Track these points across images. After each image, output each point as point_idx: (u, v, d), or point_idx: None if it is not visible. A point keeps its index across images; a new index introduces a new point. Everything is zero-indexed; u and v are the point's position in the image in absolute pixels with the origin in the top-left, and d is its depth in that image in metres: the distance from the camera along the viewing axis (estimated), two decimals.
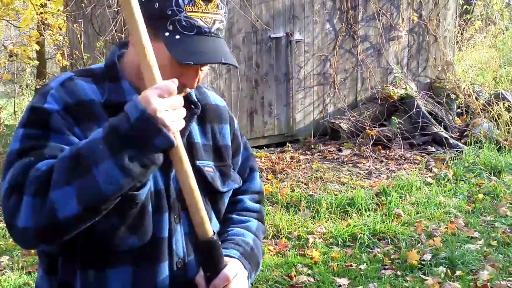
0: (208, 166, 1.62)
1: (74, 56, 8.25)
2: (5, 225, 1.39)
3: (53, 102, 1.42)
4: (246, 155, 1.81)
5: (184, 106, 1.55)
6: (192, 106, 1.61)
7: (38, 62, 9.13)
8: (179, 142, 1.33)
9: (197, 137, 1.63)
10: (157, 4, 1.40)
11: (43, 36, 8.66)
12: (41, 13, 7.79)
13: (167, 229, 1.51)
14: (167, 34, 1.40)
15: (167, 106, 1.26)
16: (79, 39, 7.69)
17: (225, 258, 1.50)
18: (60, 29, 8.74)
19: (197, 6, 1.39)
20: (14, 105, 9.16)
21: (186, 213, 1.52)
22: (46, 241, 1.34)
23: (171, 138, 1.26)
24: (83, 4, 7.55)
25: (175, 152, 1.33)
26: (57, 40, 8.78)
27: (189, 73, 1.46)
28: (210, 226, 1.43)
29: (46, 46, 10.13)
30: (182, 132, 1.52)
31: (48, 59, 10.68)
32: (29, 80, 9.33)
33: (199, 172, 1.57)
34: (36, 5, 7.29)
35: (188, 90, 1.52)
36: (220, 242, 1.47)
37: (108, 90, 1.50)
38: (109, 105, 1.48)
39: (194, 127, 1.63)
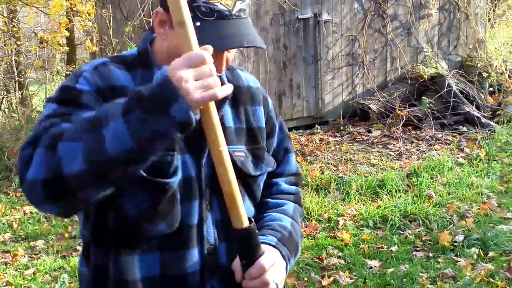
0: (240, 151, 1.59)
1: (103, 41, 8.32)
2: (39, 210, 1.39)
3: (85, 84, 1.41)
4: (281, 137, 1.77)
5: None
6: None
7: (68, 48, 9.22)
8: (215, 123, 1.30)
9: (229, 122, 1.60)
10: None
11: (73, 22, 8.74)
12: None
13: (196, 216, 1.51)
14: None
15: (195, 76, 1.20)
16: (108, 24, 7.74)
17: (262, 245, 1.48)
18: (89, 15, 8.80)
19: None
20: (46, 91, 9.28)
21: (218, 200, 1.52)
22: (51, 198, 1.27)
23: (189, 112, 1.19)
24: None
25: (212, 133, 1.30)
26: (86, 26, 8.85)
27: (215, 59, 1.41)
28: (246, 215, 1.41)
29: (75, 32, 10.22)
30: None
31: (78, 45, 10.78)
32: (59, 66, 9.44)
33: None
34: None
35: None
36: (257, 231, 1.44)
37: (140, 77, 1.49)
38: None
39: (227, 111, 1.60)
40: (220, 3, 1.37)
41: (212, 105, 1.29)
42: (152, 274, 1.50)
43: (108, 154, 1.20)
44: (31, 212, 5.40)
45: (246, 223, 1.40)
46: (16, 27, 8.95)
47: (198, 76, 1.20)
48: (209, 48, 1.25)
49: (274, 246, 1.55)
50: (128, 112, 1.19)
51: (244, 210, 1.41)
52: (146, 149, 1.22)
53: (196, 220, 1.51)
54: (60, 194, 1.26)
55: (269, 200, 1.72)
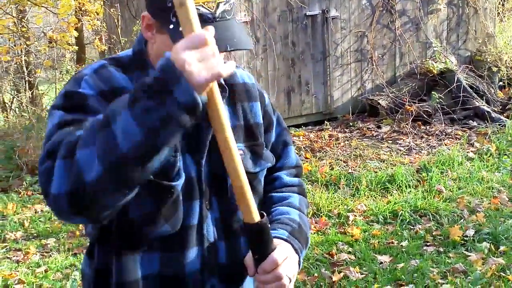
0: (238, 148, 1.54)
1: (112, 40, 8.34)
2: (67, 222, 1.37)
3: (87, 88, 1.41)
4: (279, 130, 1.77)
5: None
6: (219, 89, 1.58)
7: (77, 48, 9.25)
8: (220, 108, 1.26)
9: None
10: None
11: (81, 21, 8.76)
12: None
13: (197, 216, 1.51)
14: (171, 26, 1.35)
15: (198, 57, 1.14)
16: (116, 23, 7.77)
17: (274, 240, 1.47)
18: (98, 14, 8.82)
19: None
20: (56, 90, 9.32)
21: (218, 199, 1.54)
22: (78, 210, 1.23)
23: (194, 93, 1.13)
24: None
25: (217, 118, 1.25)
26: (95, 25, 8.87)
27: None
28: (257, 210, 1.40)
29: (84, 31, 10.25)
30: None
31: (87, 44, 10.82)
32: (69, 65, 9.45)
33: None
34: None
35: None
36: (269, 225, 1.43)
37: (137, 78, 1.48)
38: None
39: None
40: (203, 6, 1.34)
41: (216, 89, 1.25)
42: (152, 273, 1.51)
43: (121, 152, 1.15)
44: (42, 211, 5.43)
45: (257, 218, 1.39)
46: (25, 27, 8.99)
47: (201, 58, 1.15)
48: (211, 29, 1.19)
49: (285, 240, 1.55)
50: (134, 102, 1.15)
51: (254, 205, 1.39)
52: (157, 140, 1.16)
53: (196, 220, 1.51)
54: (85, 204, 1.22)
55: (273, 194, 1.72)
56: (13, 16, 8.92)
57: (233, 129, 1.56)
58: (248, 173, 1.56)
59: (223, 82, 1.59)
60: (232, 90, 1.62)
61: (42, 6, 8.15)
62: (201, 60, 1.15)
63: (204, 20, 1.34)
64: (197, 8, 1.29)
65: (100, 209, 1.25)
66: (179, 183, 1.42)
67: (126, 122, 1.14)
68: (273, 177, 1.74)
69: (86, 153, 1.18)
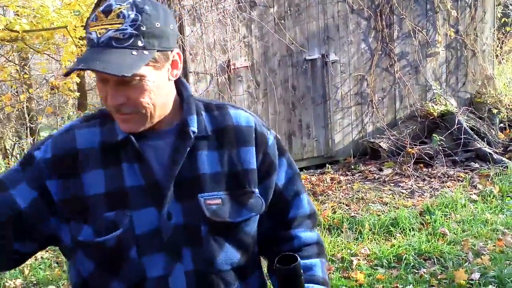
0: (215, 198, 1.50)
1: None
2: (51, 256, 1.46)
3: (43, 152, 1.48)
4: (289, 176, 1.67)
5: (179, 137, 1.50)
6: (184, 137, 1.51)
7: (79, 94, 9.33)
8: None
9: (204, 168, 1.51)
10: None
11: None
12: (81, 45, 7.97)
13: (161, 268, 1.46)
14: None
15: None
16: None
17: None
18: None
19: (98, 20, 1.36)
20: None
21: (191, 249, 1.48)
22: None
23: None
24: None
25: None
26: None
27: (107, 90, 1.40)
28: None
29: (86, 77, 10.35)
30: (173, 168, 1.47)
31: (89, 91, 10.92)
32: (71, 112, 9.52)
33: (198, 207, 1.48)
34: (76, 37, 7.46)
35: (127, 109, 1.41)
36: (302, 270, 1.42)
37: (106, 131, 1.50)
38: (104, 147, 1.48)
39: (204, 156, 1.52)
40: (96, 32, 1.36)
41: None
42: None
43: None
44: (42, 258, 5.37)
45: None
46: (27, 74, 9.08)
47: None
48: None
49: None
50: None
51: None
52: None
53: (160, 273, 1.46)
54: None
55: None
56: (16, 64, 9.02)
57: (214, 176, 1.52)
58: (226, 223, 1.51)
59: (192, 129, 1.51)
60: (221, 133, 1.55)
61: (45, 53, 8.24)
62: None
63: (91, 44, 1.37)
64: (90, 34, 1.37)
65: None
66: (108, 238, 1.43)
67: None
68: (291, 236, 1.66)
69: None
